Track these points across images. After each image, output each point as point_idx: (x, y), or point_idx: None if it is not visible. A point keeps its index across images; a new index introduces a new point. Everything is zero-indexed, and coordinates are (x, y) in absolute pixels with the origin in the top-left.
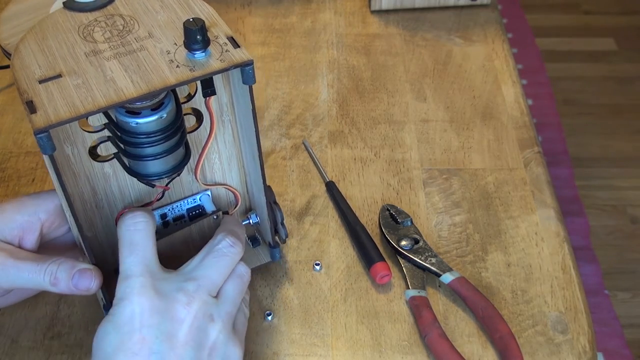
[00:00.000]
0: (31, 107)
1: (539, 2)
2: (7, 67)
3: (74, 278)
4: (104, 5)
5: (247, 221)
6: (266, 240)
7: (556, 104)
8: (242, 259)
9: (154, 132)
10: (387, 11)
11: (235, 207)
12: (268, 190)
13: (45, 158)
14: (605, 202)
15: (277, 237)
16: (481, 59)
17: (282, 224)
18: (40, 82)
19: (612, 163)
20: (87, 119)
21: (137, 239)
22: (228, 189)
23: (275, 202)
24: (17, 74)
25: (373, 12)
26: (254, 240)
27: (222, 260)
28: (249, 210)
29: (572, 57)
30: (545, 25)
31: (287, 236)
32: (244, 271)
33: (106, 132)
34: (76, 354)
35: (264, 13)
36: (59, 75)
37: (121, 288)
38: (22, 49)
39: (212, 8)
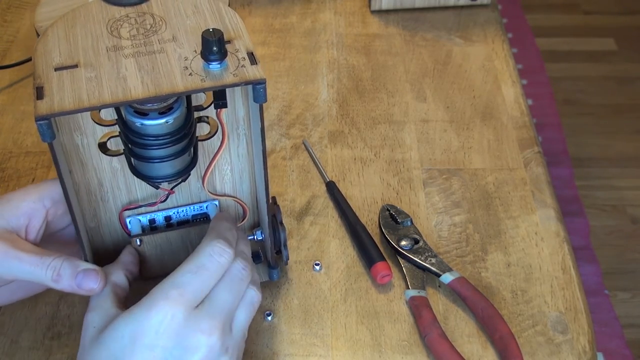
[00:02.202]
0: (40, 93)
1: (539, 2)
2: (7, 67)
3: (77, 277)
4: (140, 2)
5: (252, 237)
6: (268, 259)
7: (556, 104)
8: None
9: (159, 136)
10: (387, 11)
11: (243, 221)
12: (277, 209)
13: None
14: (605, 202)
15: (277, 258)
16: (481, 59)
17: (285, 245)
18: (56, 69)
19: (612, 163)
20: (99, 111)
21: (210, 268)
22: (237, 202)
23: (281, 223)
24: (37, 59)
25: (373, 12)
26: (256, 256)
27: (239, 285)
28: (256, 225)
29: (572, 57)
30: (545, 25)
31: (288, 259)
32: (255, 298)
33: (117, 128)
34: (76, 353)
35: (264, 13)
36: (76, 66)
37: (160, 293)
38: (50, 34)
39: (242, 21)
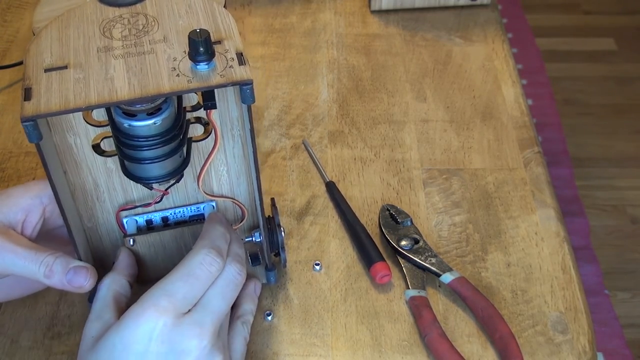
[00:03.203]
0: (27, 94)
1: (539, 2)
2: (7, 67)
3: (68, 274)
4: (134, 3)
5: (251, 238)
6: (265, 261)
7: (556, 104)
8: None
9: (147, 137)
10: (387, 11)
11: (241, 222)
12: (274, 211)
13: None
14: (605, 202)
15: (272, 260)
16: (481, 59)
17: (283, 248)
18: (46, 70)
19: (612, 163)
20: (91, 112)
21: (201, 277)
22: (235, 203)
23: (279, 225)
24: (29, 59)
25: (373, 12)
26: (255, 258)
27: (233, 291)
28: (255, 226)
29: (572, 57)
30: (545, 25)
31: (286, 261)
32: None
33: (110, 128)
34: (76, 353)
35: (264, 13)
36: (65, 67)
37: (150, 300)
38: (43, 34)
39: (234, 21)
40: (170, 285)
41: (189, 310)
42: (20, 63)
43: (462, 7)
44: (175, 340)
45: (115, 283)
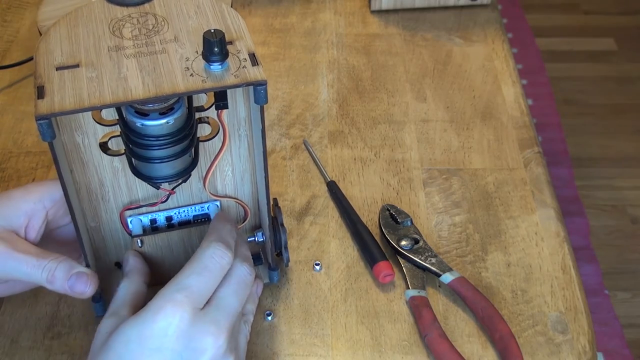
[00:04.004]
0: (41, 92)
1: (539, 2)
2: (7, 67)
3: (70, 279)
4: (142, 3)
5: (253, 238)
6: (268, 261)
7: (556, 104)
8: None
9: (159, 136)
10: (387, 11)
11: (244, 222)
12: (277, 211)
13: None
14: (605, 202)
15: (278, 260)
16: (481, 59)
17: (286, 247)
18: (58, 69)
19: (612, 163)
20: (100, 111)
21: (214, 270)
22: (238, 203)
23: (282, 225)
24: (39, 58)
25: (373, 12)
26: (257, 258)
27: (245, 290)
28: (257, 227)
29: (572, 57)
30: (545, 25)
31: (289, 261)
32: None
33: (118, 128)
34: (76, 353)
35: (264, 13)
36: (77, 65)
37: (166, 296)
38: (52, 33)
39: (244, 22)
40: (185, 279)
41: (204, 308)
42: (20, 63)
43: (462, 7)
44: (191, 337)
45: (133, 284)
